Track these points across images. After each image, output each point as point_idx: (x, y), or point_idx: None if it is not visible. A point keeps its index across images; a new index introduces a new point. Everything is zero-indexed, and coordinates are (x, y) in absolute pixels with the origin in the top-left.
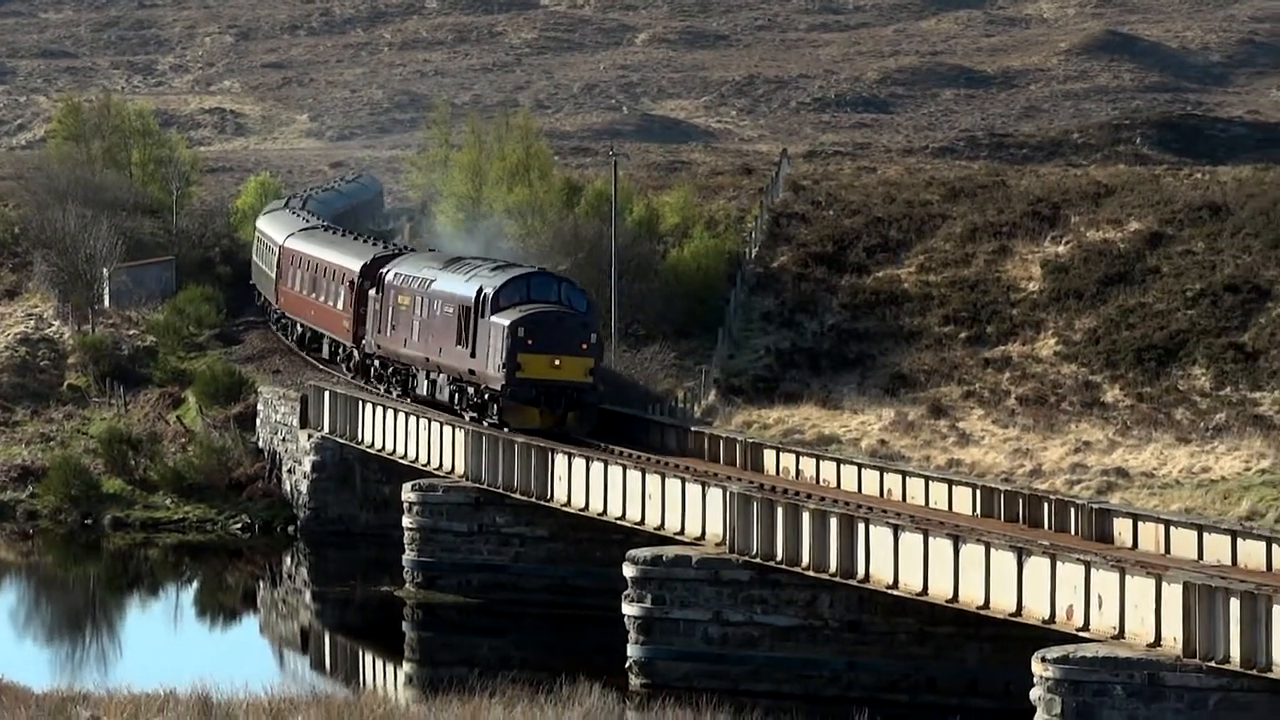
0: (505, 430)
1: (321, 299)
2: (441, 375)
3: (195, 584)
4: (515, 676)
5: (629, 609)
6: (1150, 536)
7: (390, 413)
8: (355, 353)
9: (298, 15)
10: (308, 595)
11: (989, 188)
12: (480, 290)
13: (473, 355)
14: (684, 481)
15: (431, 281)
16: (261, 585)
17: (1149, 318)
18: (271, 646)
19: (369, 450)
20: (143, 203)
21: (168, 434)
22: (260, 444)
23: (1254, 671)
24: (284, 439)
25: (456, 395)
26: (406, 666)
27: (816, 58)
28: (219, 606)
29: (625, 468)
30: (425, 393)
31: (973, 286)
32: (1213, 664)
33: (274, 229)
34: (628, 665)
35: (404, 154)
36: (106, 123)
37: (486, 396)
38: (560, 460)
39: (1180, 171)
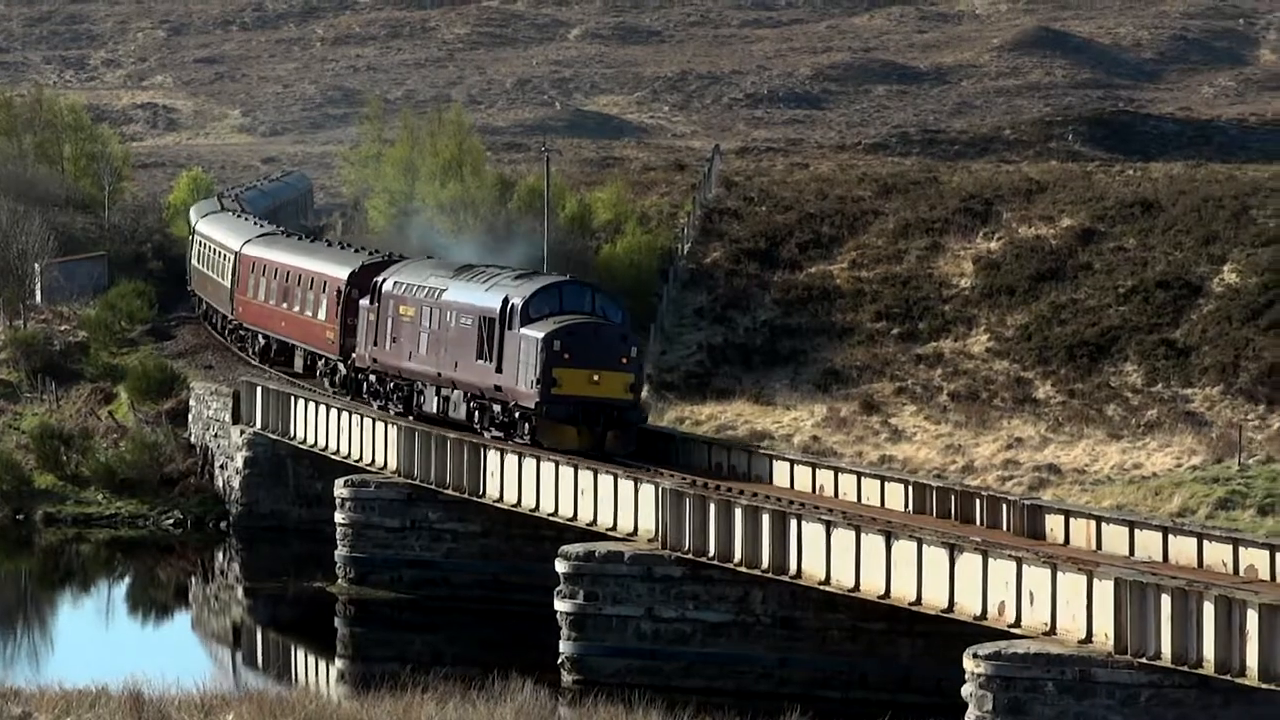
0: (538, 442)
1: (296, 309)
2: (456, 392)
3: (127, 580)
4: (448, 672)
5: (561, 605)
6: (1082, 533)
7: (322, 408)
8: (341, 366)
9: (230, 10)
10: (240, 591)
11: (921, 184)
12: (506, 300)
13: (499, 370)
14: (616, 478)
15: (441, 291)
16: (193, 581)
17: (1081, 314)
18: (203, 642)
19: (301, 446)
20: (75, 198)
21: (100, 429)
22: (192, 439)
23: (1185, 668)
24: (216, 435)
25: (477, 413)
26: (339, 662)
27: (749, 54)
28: (151, 602)
29: (557, 464)
30: (435, 410)
31: (905, 283)
32: (1144, 660)
33: (223, 234)
34: (560, 661)
35: (337, 149)
36: (38, 117)
37: (517, 415)
38: (492, 456)
39: (1112, 168)
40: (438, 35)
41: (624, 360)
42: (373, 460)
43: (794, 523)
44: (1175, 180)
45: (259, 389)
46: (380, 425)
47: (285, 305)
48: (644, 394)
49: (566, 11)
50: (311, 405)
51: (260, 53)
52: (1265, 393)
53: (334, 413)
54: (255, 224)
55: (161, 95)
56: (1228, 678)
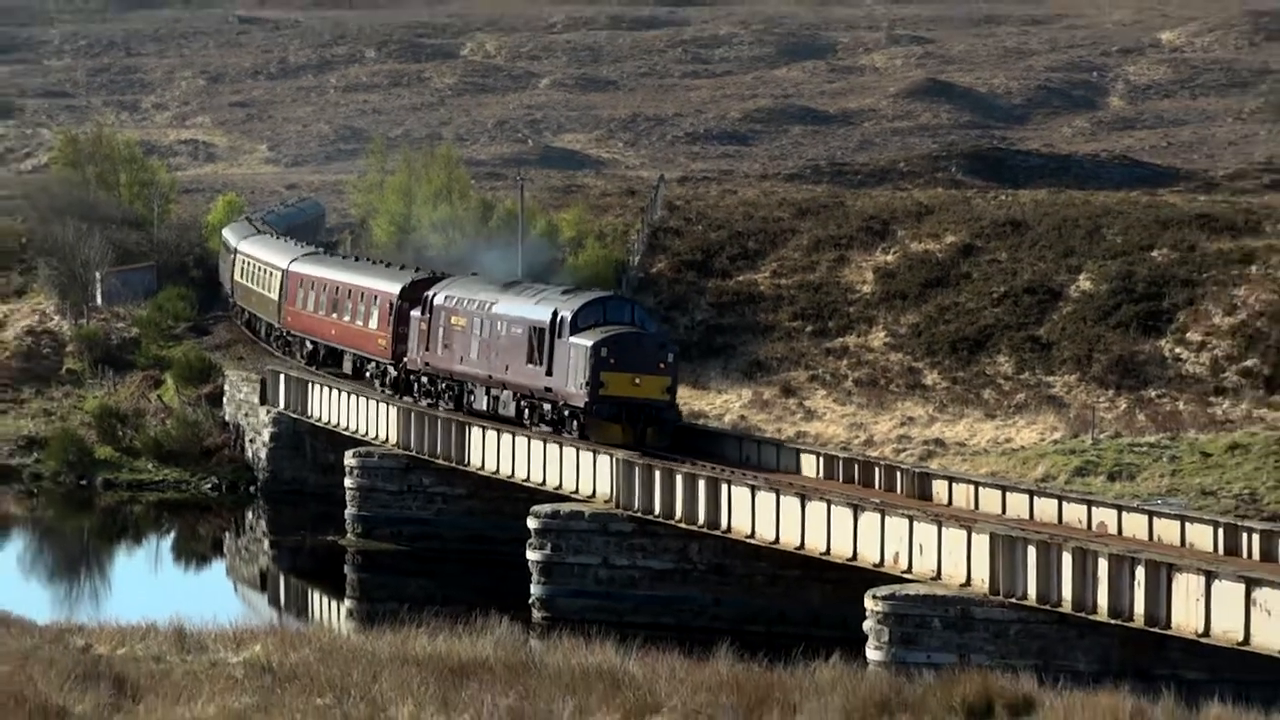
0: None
1: (347, 319)
2: (506, 392)
3: (172, 534)
4: (438, 611)
5: (532, 555)
6: (963, 495)
7: (335, 392)
8: (391, 369)
9: (259, 62)
10: (266, 544)
11: (830, 207)
12: (556, 312)
13: (549, 374)
14: (579, 450)
15: (492, 304)
16: (227, 536)
17: (962, 315)
18: (235, 586)
19: (317, 424)
20: (129, 218)
21: (150, 410)
22: (226, 418)
23: (1047, 606)
24: (246, 414)
25: (526, 411)
26: (348, 602)
27: (689, 99)
28: (192, 553)
29: (530, 438)
30: (485, 408)
31: (817, 289)
32: (1013, 600)
33: (269, 254)
34: (531, 602)
35: (347, 178)
36: (99, 151)
37: (566, 413)
38: (475, 433)
39: (987, 194)
40: (431, 84)
41: (661, 365)
42: (377, 435)
43: (725, 487)
44: (1039, 204)
45: (282, 376)
46: (383, 406)
47: (335, 315)
48: None
49: (538, 65)
50: (325, 389)
51: (284, 97)
52: (1113, 380)
53: (344, 396)
54: (297, 244)
55: (201, 133)
56: (1082, 615)
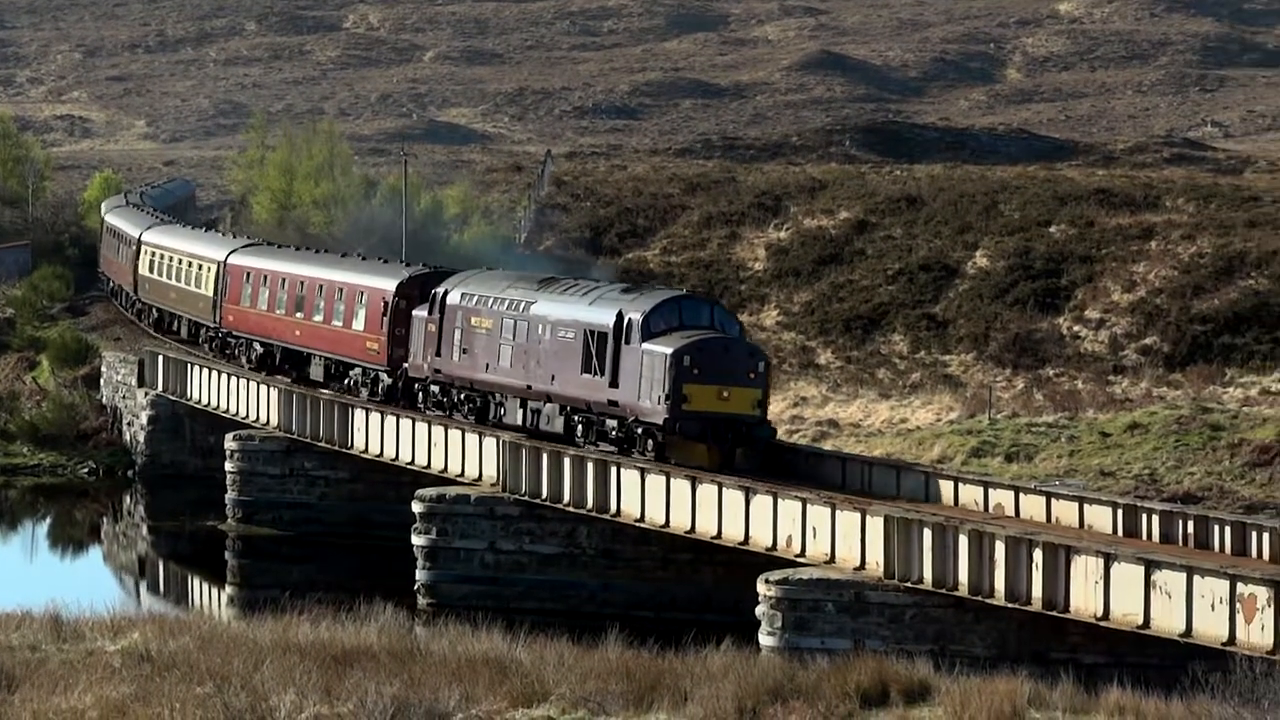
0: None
1: (318, 319)
2: (551, 405)
3: (48, 520)
4: (321, 597)
5: (417, 539)
6: (857, 476)
7: (214, 373)
8: (384, 376)
9: (136, 35)
10: (144, 529)
11: (721, 183)
12: (622, 314)
13: (613, 385)
14: (464, 431)
15: (528, 304)
16: (105, 521)
17: (856, 292)
18: (114, 573)
19: (197, 406)
20: (3, 195)
21: (25, 392)
22: (104, 400)
23: (943, 590)
24: (124, 396)
25: (581, 427)
26: (228, 589)
27: (577, 73)
28: (68, 539)
29: (414, 420)
30: (521, 423)
31: (708, 266)
32: (909, 584)
33: (193, 245)
34: (416, 588)
35: (227, 154)
36: None
37: (639, 431)
38: (359, 414)
39: (882, 169)
40: (313, 57)
41: (751, 376)
42: (257, 418)
43: (614, 469)
44: (935, 179)
45: (160, 357)
46: (263, 388)
47: (300, 315)
48: None
49: (422, 37)
50: (205, 370)
51: (162, 71)
52: (1010, 359)
53: (224, 377)
54: (234, 236)
55: (77, 108)
56: (979, 598)
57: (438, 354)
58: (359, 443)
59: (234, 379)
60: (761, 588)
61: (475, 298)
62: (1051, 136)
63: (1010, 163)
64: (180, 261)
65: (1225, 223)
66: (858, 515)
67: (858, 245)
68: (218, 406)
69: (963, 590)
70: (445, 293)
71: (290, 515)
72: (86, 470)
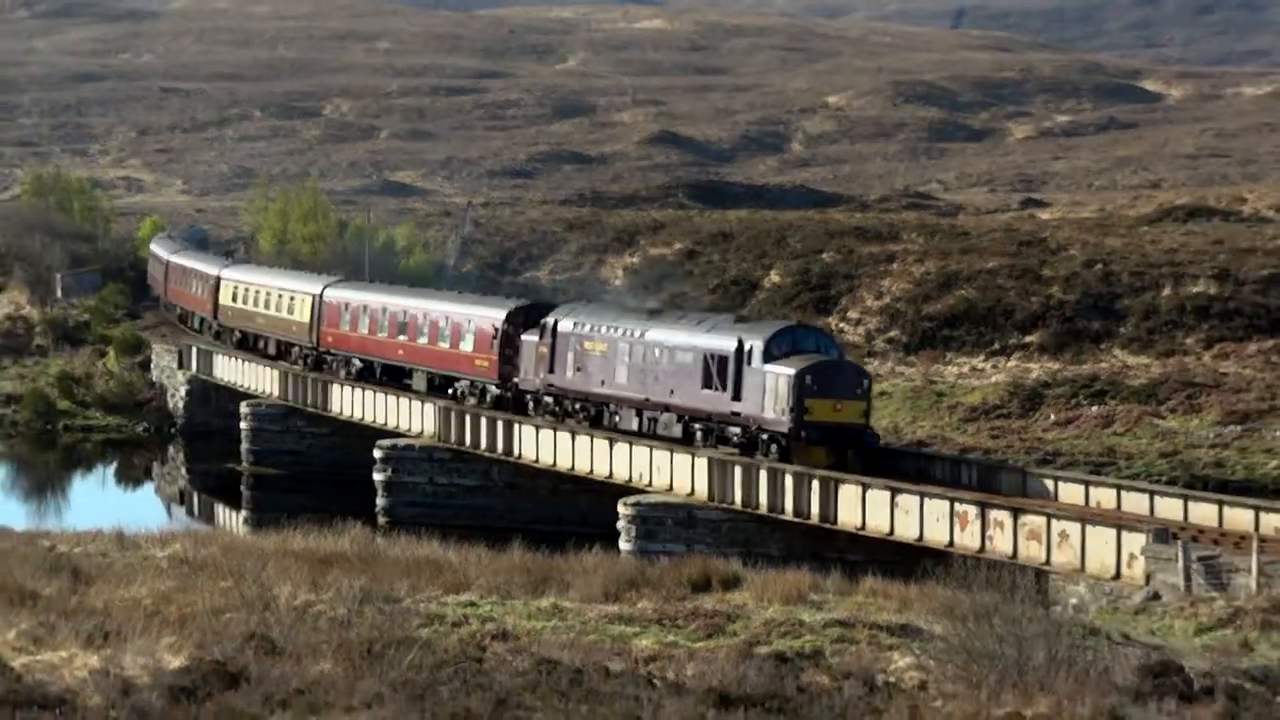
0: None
1: (425, 342)
2: (668, 414)
3: (114, 464)
4: (309, 518)
5: (377, 476)
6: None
7: (233, 360)
8: (493, 388)
9: (176, 120)
10: (183, 470)
11: (591, 223)
12: (742, 341)
13: (736, 399)
14: (410, 399)
15: (641, 332)
16: (155, 465)
17: (688, 301)
18: (161, 502)
19: (220, 382)
20: (80, 234)
21: (97, 373)
22: (153, 379)
23: (748, 510)
24: (168, 376)
25: (701, 433)
26: (244, 512)
27: (489, 146)
28: (129, 478)
29: (375, 391)
30: (636, 428)
31: (582, 282)
32: (725, 506)
33: (287, 281)
34: (377, 511)
35: (240, 204)
36: (58, 185)
37: (764, 437)
38: (335, 388)
39: (705, 214)
40: (301, 135)
41: (858, 391)
42: (264, 390)
43: (517, 426)
44: (742, 220)
45: (194, 349)
46: (267, 370)
47: (404, 337)
48: None
49: (380, 120)
50: (226, 358)
51: (195, 145)
52: None
53: (239, 362)
54: (320, 274)
55: (133, 171)
56: (774, 515)
57: (550, 371)
58: (335, 408)
59: (246, 363)
60: (621, 509)
61: (587, 325)
62: (823, 190)
63: (795, 209)
64: (270, 293)
65: (945, 250)
66: (689, 457)
67: (688, 267)
68: (235, 383)
69: (763, 510)
70: (556, 321)
71: (287, 460)
72: (142, 429)
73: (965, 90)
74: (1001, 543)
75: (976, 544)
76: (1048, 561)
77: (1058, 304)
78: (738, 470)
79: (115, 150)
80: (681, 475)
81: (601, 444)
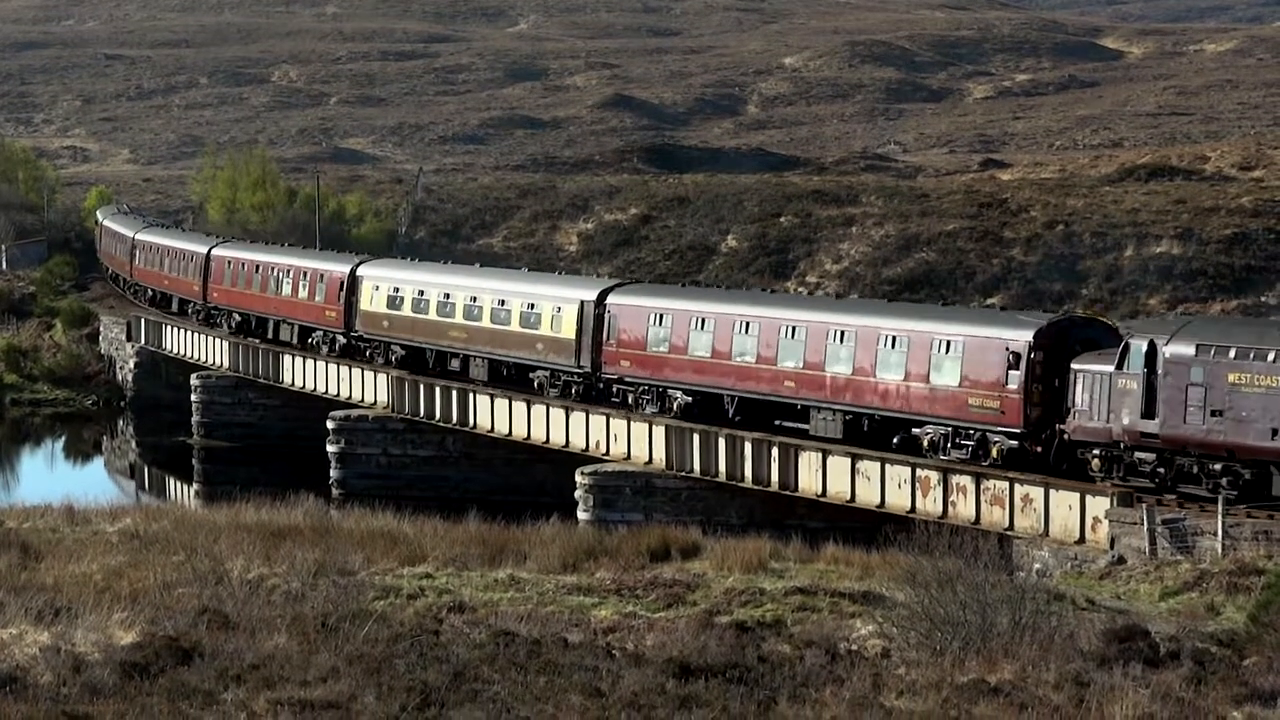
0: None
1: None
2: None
3: (63, 438)
4: (261, 490)
5: (331, 448)
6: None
7: (182, 331)
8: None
9: (121, 88)
10: (133, 444)
11: (546, 189)
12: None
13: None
14: (364, 370)
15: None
16: (104, 438)
17: (643, 266)
18: (111, 476)
19: (169, 354)
20: (26, 205)
21: (45, 346)
22: (102, 351)
23: (708, 478)
24: (117, 348)
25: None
26: (195, 486)
27: (442, 111)
28: (78, 451)
29: (326, 362)
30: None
31: (537, 249)
32: (683, 474)
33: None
34: (330, 482)
35: (188, 172)
36: (2, 155)
37: None
38: (286, 358)
39: (661, 178)
40: (249, 102)
41: None
42: (214, 362)
43: (471, 395)
44: (698, 185)
45: (142, 320)
46: (216, 341)
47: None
48: None
49: (329, 87)
50: (175, 329)
51: (141, 113)
52: None
53: (189, 333)
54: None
55: (78, 140)
56: (734, 483)
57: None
58: (287, 378)
59: (196, 334)
60: (579, 478)
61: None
62: (780, 153)
63: (751, 172)
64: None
65: (904, 213)
66: (646, 426)
67: (644, 233)
68: (185, 354)
69: (722, 477)
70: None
71: (239, 432)
72: (90, 402)
73: (923, 50)
74: (964, 508)
75: (939, 509)
76: (1011, 526)
77: (1019, 266)
78: (695, 438)
79: (60, 119)
80: (640, 444)
81: (558, 413)
